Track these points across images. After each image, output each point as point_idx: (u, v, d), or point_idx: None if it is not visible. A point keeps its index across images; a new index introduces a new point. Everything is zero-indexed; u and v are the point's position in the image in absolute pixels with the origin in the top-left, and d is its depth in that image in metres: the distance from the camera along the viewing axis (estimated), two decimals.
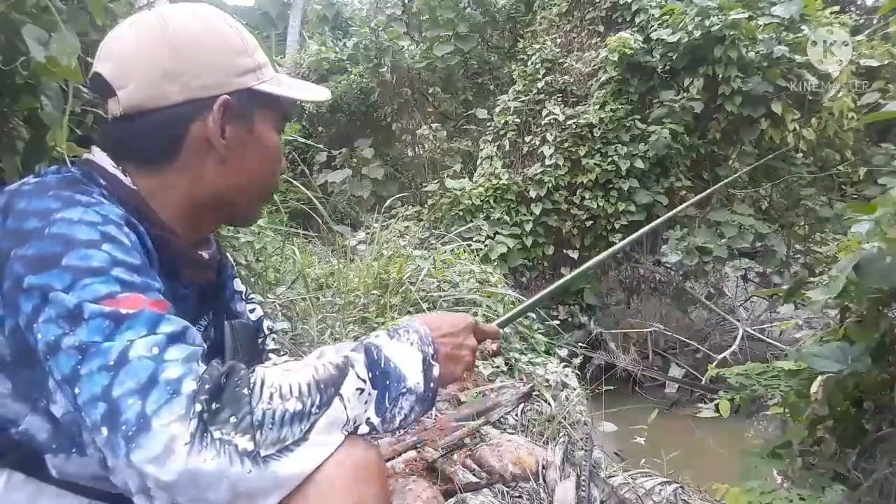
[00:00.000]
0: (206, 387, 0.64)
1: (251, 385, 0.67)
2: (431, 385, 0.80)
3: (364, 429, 0.74)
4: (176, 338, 0.67)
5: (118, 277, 0.68)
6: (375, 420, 0.74)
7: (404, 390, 0.77)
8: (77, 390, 0.64)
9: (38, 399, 0.73)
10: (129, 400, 0.62)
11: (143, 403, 0.62)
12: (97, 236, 0.70)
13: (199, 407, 0.63)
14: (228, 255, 1.22)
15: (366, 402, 0.73)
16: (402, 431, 1.70)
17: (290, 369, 0.71)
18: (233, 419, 0.64)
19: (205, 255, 0.92)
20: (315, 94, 0.95)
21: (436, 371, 0.81)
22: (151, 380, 0.63)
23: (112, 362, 0.63)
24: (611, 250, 1.56)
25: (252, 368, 0.70)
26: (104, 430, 0.62)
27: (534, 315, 3.40)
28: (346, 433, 0.71)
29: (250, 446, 0.64)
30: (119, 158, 0.83)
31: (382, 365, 0.76)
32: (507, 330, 2.99)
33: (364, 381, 0.73)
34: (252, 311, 1.13)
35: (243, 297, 1.11)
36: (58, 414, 0.73)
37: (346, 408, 0.71)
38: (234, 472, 0.63)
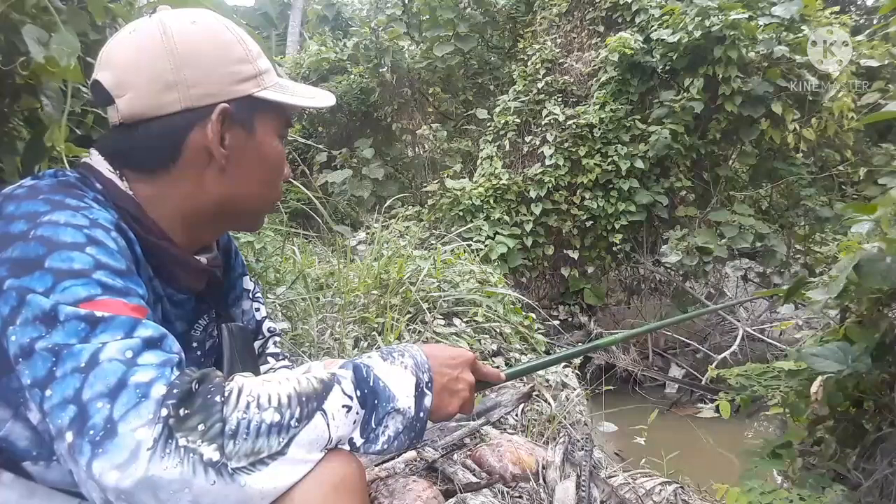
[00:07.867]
0: (176, 391, 0.62)
1: (225, 393, 0.65)
2: (421, 414, 0.76)
3: (344, 447, 0.72)
4: (152, 343, 0.66)
5: (100, 280, 0.67)
6: (358, 441, 0.72)
7: (392, 410, 0.74)
8: (48, 392, 0.62)
9: (18, 406, 0.71)
10: (98, 403, 0.60)
11: (112, 407, 0.60)
12: (82, 239, 0.69)
13: (165, 412, 0.61)
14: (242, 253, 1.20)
15: (354, 423, 0.71)
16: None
17: (271, 380, 0.69)
18: (201, 427, 0.62)
19: (203, 259, 0.90)
20: (319, 99, 0.92)
21: (427, 401, 0.78)
22: (121, 383, 0.61)
23: (83, 364, 0.62)
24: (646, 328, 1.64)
25: (231, 376, 0.68)
26: (68, 436, 0.60)
27: (534, 315, 3.40)
28: (327, 451, 0.69)
29: (216, 456, 0.61)
30: (118, 164, 0.82)
31: (371, 383, 0.73)
32: (507, 329, 2.99)
33: (351, 397, 0.71)
34: (257, 310, 1.12)
35: (251, 295, 1.10)
36: (34, 421, 0.71)
37: (328, 425, 0.69)
38: (197, 483, 0.60)
